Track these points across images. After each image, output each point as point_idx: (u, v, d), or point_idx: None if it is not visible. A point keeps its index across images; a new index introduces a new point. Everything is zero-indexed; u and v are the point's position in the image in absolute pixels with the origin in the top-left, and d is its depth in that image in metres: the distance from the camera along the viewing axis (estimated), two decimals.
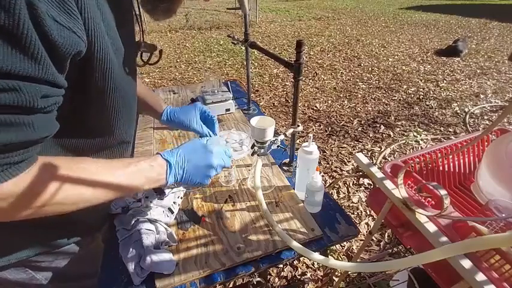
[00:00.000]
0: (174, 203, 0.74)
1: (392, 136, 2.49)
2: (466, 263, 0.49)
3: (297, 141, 2.31)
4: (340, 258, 1.46)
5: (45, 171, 0.38)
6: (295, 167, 0.89)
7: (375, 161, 2.18)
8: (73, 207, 0.42)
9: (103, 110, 0.50)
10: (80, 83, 0.43)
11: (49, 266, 0.61)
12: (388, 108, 2.97)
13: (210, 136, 0.72)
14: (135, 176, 0.48)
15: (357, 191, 1.89)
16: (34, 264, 0.59)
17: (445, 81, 3.60)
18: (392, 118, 2.78)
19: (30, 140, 0.35)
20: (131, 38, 0.57)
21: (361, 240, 1.58)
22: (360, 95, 3.27)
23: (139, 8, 0.59)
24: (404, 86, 3.48)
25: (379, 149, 2.32)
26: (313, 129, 2.62)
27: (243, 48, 1.14)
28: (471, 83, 3.54)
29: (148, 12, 0.61)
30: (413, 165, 0.77)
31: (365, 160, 0.76)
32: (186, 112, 0.75)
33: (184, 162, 0.55)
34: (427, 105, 3.03)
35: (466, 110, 2.90)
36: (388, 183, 0.68)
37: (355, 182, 1.97)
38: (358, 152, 1.53)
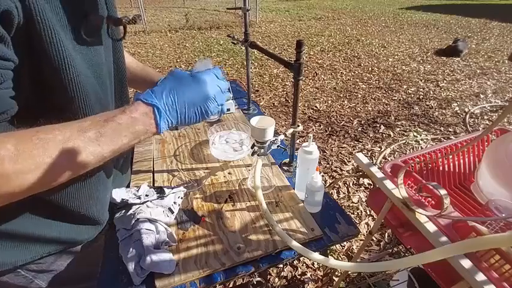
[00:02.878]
0: (174, 203, 0.74)
1: (392, 136, 2.49)
2: (466, 263, 0.49)
3: (297, 141, 2.31)
4: (340, 258, 1.46)
5: (5, 148, 0.33)
6: (295, 167, 0.89)
7: (375, 161, 2.19)
8: (45, 182, 0.37)
9: (65, 97, 0.43)
10: (30, 66, 0.38)
11: (48, 268, 0.61)
12: (388, 108, 2.97)
13: None
14: (115, 135, 0.41)
15: (357, 191, 1.89)
16: (35, 267, 0.58)
17: (445, 81, 3.60)
18: (393, 118, 2.78)
19: None
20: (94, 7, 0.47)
21: (361, 240, 1.58)
22: (360, 95, 3.27)
23: None
24: (405, 86, 3.48)
25: (379, 149, 2.32)
26: (313, 129, 2.62)
27: (243, 48, 1.14)
28: (471, 83, 3.54)
29: None
30: (413, 165, 0.77)
31: (365, 160, 0.76)
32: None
33: (174, 101, 0.46)
34: (427, 105, 3.03)
35: (466, 110, 2.90)
36: (388, 183, 0.68)
37: (355, 182, 1.97)
38: (358, 152, 1.53)
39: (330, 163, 2.17)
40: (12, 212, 0.48)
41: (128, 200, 0.70)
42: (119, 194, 0.71)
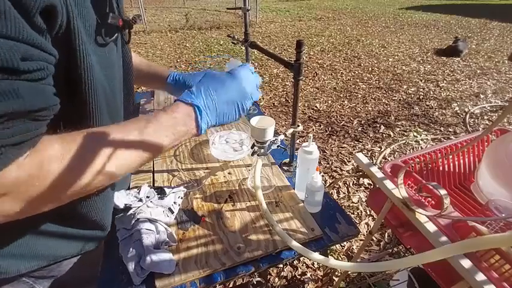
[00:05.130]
0: (174, 203, 0.74)
1: (392, 136, 2.49)
2: (466, 263, 0.49)
3: (297, 141, 2.31)
4: (340, 258, 1.46)
5: (52, 150, 0.33)
6: (295, 167, 0.89)
7: (375, 161, 2.19)
8: (92, 186, 0.37)
9: (80, 101, 0.41)
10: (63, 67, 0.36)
11: (49, 274, 0.60)
12: (388, 108, 2.97)
13: None
14: (157, 136, 0.41)
15: (357, 191, 1.89)
16: (36, 273, 0.57)
17: (445, 81, 3.60)
18: (393, 118, 2.78)
19: (18, 111, 0.29)
20: (104, 8, 0.45)
21: (361, 240, 1.58)
22: (360, 95, 3.27)
23: None
24: (405, 86, 3.48)
25: (379, 149, 2.32)
26: (313, 129, 2.62)
27: (243, 48, 1.14)
28: (471, 83, 3.54)
29: None
30: (413, 165, 0.77)
31: (365, 160, 0.76)
32: (193, 74, 0.67)
33: (214, 100, 0.45)
34: (427, 105, 3.03)
35: (466, 110, 2.90)
36: (388, 183, 0.68)
37: (355, 182, 1.97)
38: (358, 152, 1.53)
39: (330, 163, 2.17)
40: (32, 222, 0.46)
41: (130, 204, 0.70)
42: (120, 200, 0.71)
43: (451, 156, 0.83)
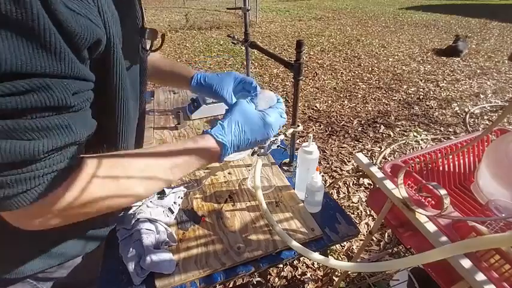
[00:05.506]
0: (174, 203, 0.74)
1: (392, 136, 2.49)
2: (466, 263, 0.49)
3: (297, 141, 2.31)
4: (340, 258, 1.46)
5: (93, 171, 0.36)
6: (295, 167, 0.89)
7: (375, 161, 2.19)
8: (121, 205, 0.41)
9: (111, 118, 0.45)
10: (99, 83, 0.39)
11: (52, 276, 0.60)
12: (388, 108, 2.97)
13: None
14: (186, 166, 0.45)
15: (357, 191, 1.89)
16: (40, 275, 0.58)
17: (445, 81, 3.60)
18: (393, 118, 2.78)
19: (71, 142, 0.32)
20: (135, 28, 0.49)
21: (361, 240, 1.58)
22: (360, 95, 3.27)
23: None
24: (405, 86, 3.48)
25: (379, 149, 2.32)
26: (313, 129, 2.62)
27: (243, 48, 1.14)
28: (471, 83, 3.54)
29: None
30: (413, 165, 0.77)
31: (365, 160, 0.76)
32: (220, 78, 0.69)
33: (240, 139, 0.49)
34: (427, 105, 3.03)
35: (466, 110, 2.90)
36: (388, 183, 0.68)
37: (355, 182, 1.97)
38: (358, 152, 1.53)
39: (330, 163, 2.17)
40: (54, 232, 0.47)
41: (131, 206, 0.70)
42: None
43: (451, 156, 0.83)
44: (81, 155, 0.36)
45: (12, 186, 0.29)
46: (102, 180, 0.37)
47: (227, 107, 0.88)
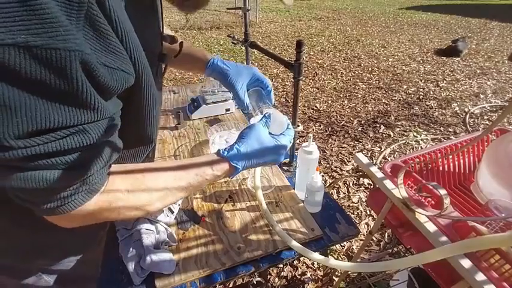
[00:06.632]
0: (174, 203, 0.74)
1: (392, 136, 2.49)
2: (466, 263, 0.49)
3: (297, 141, 2.31)
4: (340, 258, 1.46)
5: (119, 191, 0.41)
6: (295, 167, 0.89)
7: (375, 161, 2.19)
8: (137, 215, 0.46)
9: (141, 130, 0.50)
10: (125, 100, 0.43)
11: (56, 268, 0.61)
12: (388, 108, 2.97)
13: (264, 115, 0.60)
14: (199, 186, 0.50)
15: (357, 191, 1.89)
16: (45, 267, 0.60)
17: (445, 81, 3.60)
18: (393, 118, 2.78)
19: (103, 166, 0.37)
20: (156, 37, 0.52)
21: (361, 240, 1.58)
22: (360, 95, 3.27)
23: (161, 2, 0.52)
24: (405, 86, 3.48)
25: (379, 149, 2.32)
26: (313, 129, 2.62)
27: (243, 48, 1.14)
28: (471, 83, 3.54)
29: (177, 6, 0.52)
30: (413, 165, 0.77)
31: (365, 160, 0.76)
32: (238, 70, 0.69)
33: (251, 164, 0.53)
34: (427, 105, 3.03)
35: (466, 110, 2.90)
36: (388, 183, 0.68)
37: (355, 182, 1.97)
38: (358, 152, 1.53)
39: (330, 163, 2.17)
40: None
41: None
42: None
43: (451, 156, 0.83)
44: (108, 172, 0.41)
45: (65, 199, 0.35)
46: (130, 199, 0.42)
47: (231, 100, 0.92)
